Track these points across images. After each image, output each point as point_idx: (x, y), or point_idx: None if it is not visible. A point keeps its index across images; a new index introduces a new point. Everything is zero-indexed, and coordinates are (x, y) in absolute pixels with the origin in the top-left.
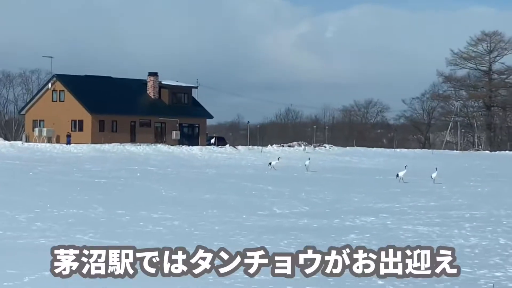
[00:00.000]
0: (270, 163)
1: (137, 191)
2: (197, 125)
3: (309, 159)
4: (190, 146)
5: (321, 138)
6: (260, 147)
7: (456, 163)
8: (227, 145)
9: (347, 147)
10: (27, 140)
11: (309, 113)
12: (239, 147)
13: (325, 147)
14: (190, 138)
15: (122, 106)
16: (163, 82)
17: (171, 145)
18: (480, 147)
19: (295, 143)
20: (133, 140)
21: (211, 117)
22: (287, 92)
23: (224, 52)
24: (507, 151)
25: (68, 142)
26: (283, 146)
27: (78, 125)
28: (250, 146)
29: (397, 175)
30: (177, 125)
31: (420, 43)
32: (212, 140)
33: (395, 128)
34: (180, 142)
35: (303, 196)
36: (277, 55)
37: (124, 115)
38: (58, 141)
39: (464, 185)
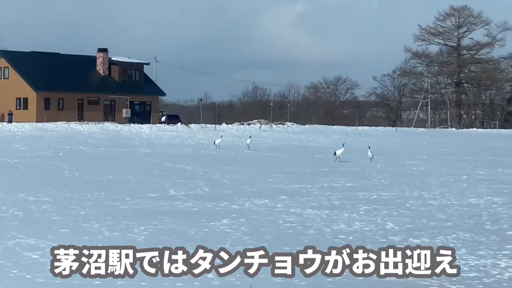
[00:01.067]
0: (214, 142)
1: (39, 172)
2: (149, 103)
3: (250, 137)
4: (141, 125)
5: (287, 116)
6: (214, 126)
7: (415, 141)
8: (179, 123)
9: (307, 125)
10: None
11: (277, 91)
12: (192, 125)
13: (283, 124)
14: (141, 116)
15: (70, 83)
16: (113, 59)
17: (121, 123)
18: (448, 125)
19: (255, 121)
20: (80, 118)
21: (163, 94)
22: (256, 70)
23: (189, 29)
24: (474, 129)
25: (10, 121)
26: (242, 124)
27: (22, 103)
28: (203, 124)
29: (335, 153)
30: (128, 102)
31: (390, 18)
32: (163, 118)
33: (356, 106)
34: (131, 120)
35: (216, 177)
36: (247, 32)
37: (71, 92)
38: (2, 120)
39: (402, 164)
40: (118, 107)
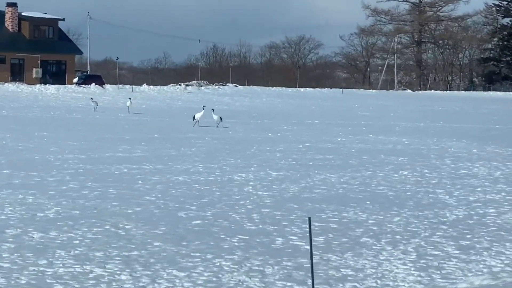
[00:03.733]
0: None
1: None
2: (64, 62)
3: (130, 99)
4: (51, 85)
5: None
6: (131, 87)
7: (337, 104)
8: (93, 84)
9: (242, 87)
10: None
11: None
12: (108, 86)
13: (223, 86)
14: (56, 76)
15: None
16: (23, 14)
17: (31, 84)
18: (402, 86)
19: (194, 82)
20: None
21: (80, 52)
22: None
23: None
24: (433, 91)
25: None
26: (180, 85)
27: None
28: (122, 85)
29: (194, 117)
30: (39, 61)
31: None
32: (75, 80)
33: (298, 66)
34: (44, 81)
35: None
36: None
37: None
38: None
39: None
40: (28, 66)
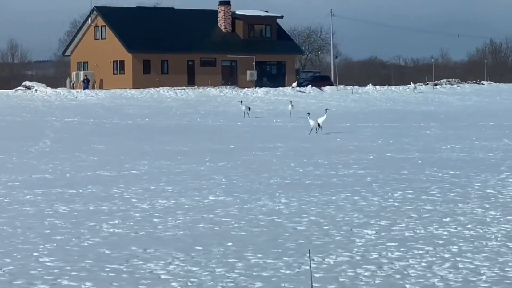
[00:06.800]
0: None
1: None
2: (283, 63)
3: (291, 102)
4: (268, 88)
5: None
6: (351, 87)
7: None
8: (309, 86)
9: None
10: (73, 87)
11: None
12: (327, 88)
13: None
14: (274, 78)
15: (179, 42)
16: (237, 12)
17: (245, 87)
18: None
19: (444, 80)
20: (191, 83)
21: (301, 52)
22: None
23: None
24: None
25: (85, 88)
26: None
27: (119, 67)
28: (342, 86)
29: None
30: (253, 63)
31: None
32: (294, 84)
33: None
34: (259, 84)
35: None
36: None
37: (179, 53)
38: (101, 87)
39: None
40: (241, 69)
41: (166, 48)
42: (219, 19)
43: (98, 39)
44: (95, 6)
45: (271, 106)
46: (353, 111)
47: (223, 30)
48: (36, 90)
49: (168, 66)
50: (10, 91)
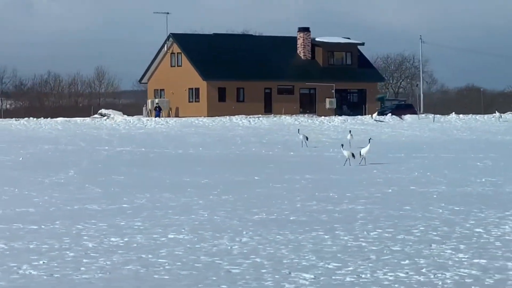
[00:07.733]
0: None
1: None
2: (363, 91)
3: (350, 132)
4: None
5: None
6: (433, 116)
7: None
8: (389, 114)
9: None
10: (149, 114)
11: None
12: (407, 116)
13: None
14: (355, 106)
15: (256, 69)
16: (317, 39)
17: (324, 115)
18: None
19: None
20: (268, 111)
21: (382, 80)
22: None
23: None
24: None
25: (157, 116)
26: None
27: (194, 94)
28: (425, 115)
29: (359, 153)
30: (333, 91)
31: None
32: (375, 114)
33: None
34: (339, 112)
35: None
36: None
37: (255, 80)
38: (177, 115)
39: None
40: (320, 96)
41: (242, 75)
42: (298, 46)
43: (174, 66)
44: (171, 33)
45: (339, 136)
46: (422, 141)
47: (302, 57)
48: (107, 118)
49: (244, 94)
50: (78, 119)
